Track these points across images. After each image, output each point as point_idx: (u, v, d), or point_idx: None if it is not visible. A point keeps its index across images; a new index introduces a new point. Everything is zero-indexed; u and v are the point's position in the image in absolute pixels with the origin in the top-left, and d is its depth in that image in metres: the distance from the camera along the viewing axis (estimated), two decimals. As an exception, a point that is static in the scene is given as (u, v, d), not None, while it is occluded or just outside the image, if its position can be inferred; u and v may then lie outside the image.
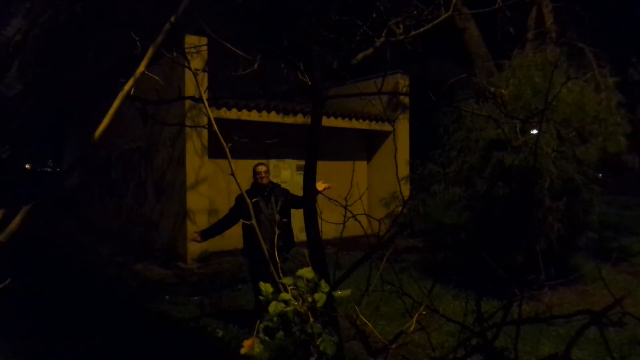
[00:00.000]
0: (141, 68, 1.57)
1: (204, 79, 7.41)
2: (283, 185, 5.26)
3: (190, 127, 8.08)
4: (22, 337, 4.95)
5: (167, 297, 6.58)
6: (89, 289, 7.10)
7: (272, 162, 10.11)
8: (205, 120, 8.12)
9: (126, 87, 1.53)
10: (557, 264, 6.18)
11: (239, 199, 4.93)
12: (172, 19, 1.64)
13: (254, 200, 2.56)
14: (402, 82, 11.42)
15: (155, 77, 2.05)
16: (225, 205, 9.46)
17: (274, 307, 1.61)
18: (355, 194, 2.95)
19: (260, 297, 1.70)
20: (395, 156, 3.43)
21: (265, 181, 4.95)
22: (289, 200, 4.95)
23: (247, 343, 1.60)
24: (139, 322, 5.62)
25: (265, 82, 11.18)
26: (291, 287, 1.69)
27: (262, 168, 4.99)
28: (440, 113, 7.31)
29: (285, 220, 4.67)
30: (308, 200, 3.32)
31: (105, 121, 1.45)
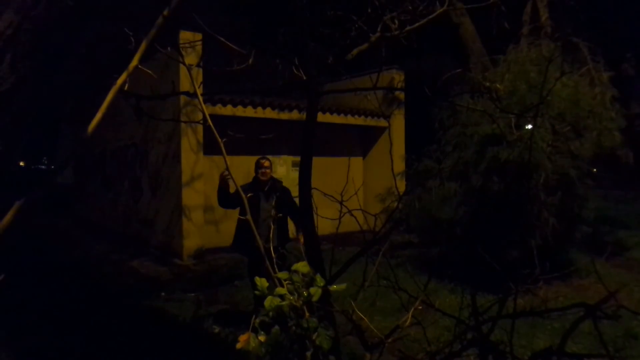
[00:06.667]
0: (134, 62, 1.56)
1: (198, 74, 7.38)
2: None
3: (185, 122, 8.04)
4: (16, 334, 4.94)
5: (162, 293, 6.57)
6: (84, 285, 7.08)
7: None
8: (200, 117, 8.11)
9: (119, 82, 1.52)
10: (551, 259, 6.24)
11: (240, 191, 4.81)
12: (165, 12, 1.63)
13: (249, 195, 2.55)
14: (398, 77, 11.41)
15: (149, 71, 2.03)
16: (220, 201, 9.48)
17: (269, 301, 1.61)
18: (351, 189, 2.95)
19: (256, 292, 1.70)
20: (390, 152, 3.43)
21: (266, 177, 4.86)
22: (288, 203, 4.88)
23: (242, 338, 1.60)
24: (134, 319, 5.61)
25: (261, 78, 11.15)
26: (287, 281, 1.69)
27: (265, 163, 4.86)
28: (435, 108, 7.31)
29: (281, 215, 4.64)
30: (304, 196, 3.31)
31: (98, 116, 1.44)
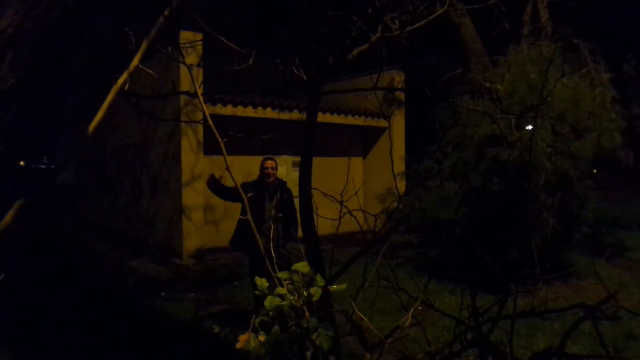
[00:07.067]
0: (135, 62, 1.56)
1: (199, 74, 7.38)
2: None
3: (186, 122, 8.04)
4: (16, 333, 4.94)
5: (162, 293, 6.57)
6: (84, 285, 7.07)
7: (268, 159, 10.08)
8: (200, 116, 8.11)
9: (120, 81, 1.52)
10: (551, 259, 6.24)
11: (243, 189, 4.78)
12: (166, 12, 1.63)
13: (249, 195, 2.55)
14: (398, 77, 11.42)
15: (150, 71, 2.03)
16: (220, 201, 9.48)
17: (269, 301, 1.61)
18: (351, 189, 2.95)
19: (256, 292, 1.70)
20: (390, 152, 3.43)
21: (271, 178, 4.79)
22: (288, 205, 4.83)
23: (242, 337, 1.60)
24: (134, 319, 5.61)
25: (261, 78, 11.16)
26: (287, 281, 1.69)
27: (270, 163, 4.79)
28: (435, 109, 7.31)
29: (281, 215, 4.62)
30: (304, 196, 3.32)
31: (99, 115, 1.44)
